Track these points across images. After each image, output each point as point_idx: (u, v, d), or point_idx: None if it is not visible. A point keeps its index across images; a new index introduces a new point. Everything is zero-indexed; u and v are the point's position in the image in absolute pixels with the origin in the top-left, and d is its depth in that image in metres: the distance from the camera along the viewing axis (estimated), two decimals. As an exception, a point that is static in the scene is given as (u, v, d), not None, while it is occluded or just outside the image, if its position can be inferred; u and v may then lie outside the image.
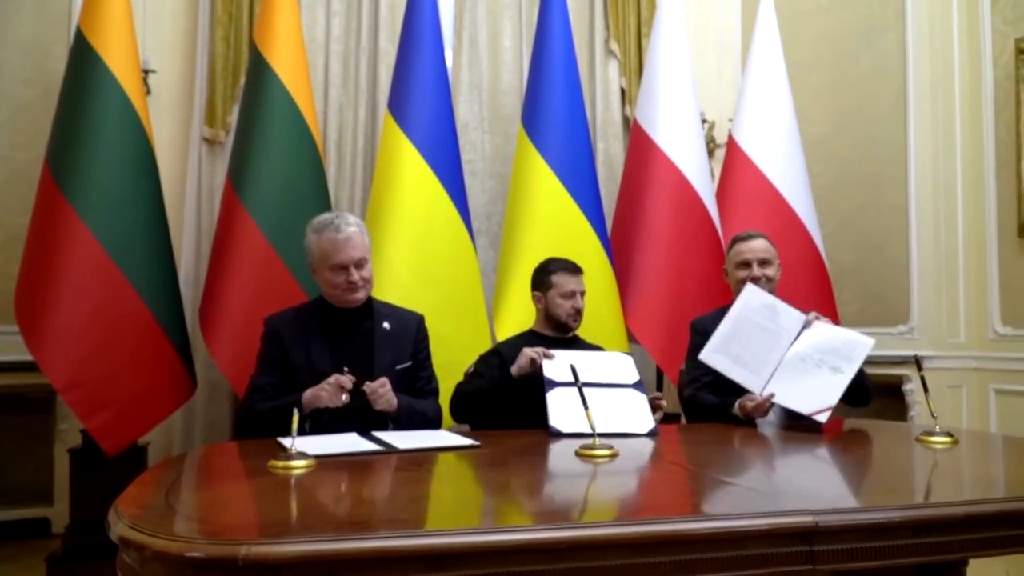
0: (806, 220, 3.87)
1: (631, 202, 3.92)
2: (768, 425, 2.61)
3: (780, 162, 3.91)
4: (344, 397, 2.28)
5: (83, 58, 3.20)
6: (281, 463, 1.75)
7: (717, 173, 4.29)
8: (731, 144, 4.07)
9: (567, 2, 3.89)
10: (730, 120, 4.24)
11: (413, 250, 3.38)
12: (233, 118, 3.88)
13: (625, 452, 1.98)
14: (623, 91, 4.63)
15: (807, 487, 1.81)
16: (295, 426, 1.84)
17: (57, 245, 3.07)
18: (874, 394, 2.80)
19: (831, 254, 4.00)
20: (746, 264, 2.85)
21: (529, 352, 2.54)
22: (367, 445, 2.04)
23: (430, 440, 2.13)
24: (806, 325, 2.66)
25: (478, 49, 4.45)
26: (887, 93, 4.22)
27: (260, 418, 2.36)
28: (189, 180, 3.98)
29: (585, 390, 2.09)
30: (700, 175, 3.86)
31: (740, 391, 2.63)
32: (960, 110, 4.10)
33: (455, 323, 3.32)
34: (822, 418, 2.45)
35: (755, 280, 2.80)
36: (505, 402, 2.58)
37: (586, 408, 2.04)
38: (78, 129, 3.15)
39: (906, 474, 1.98)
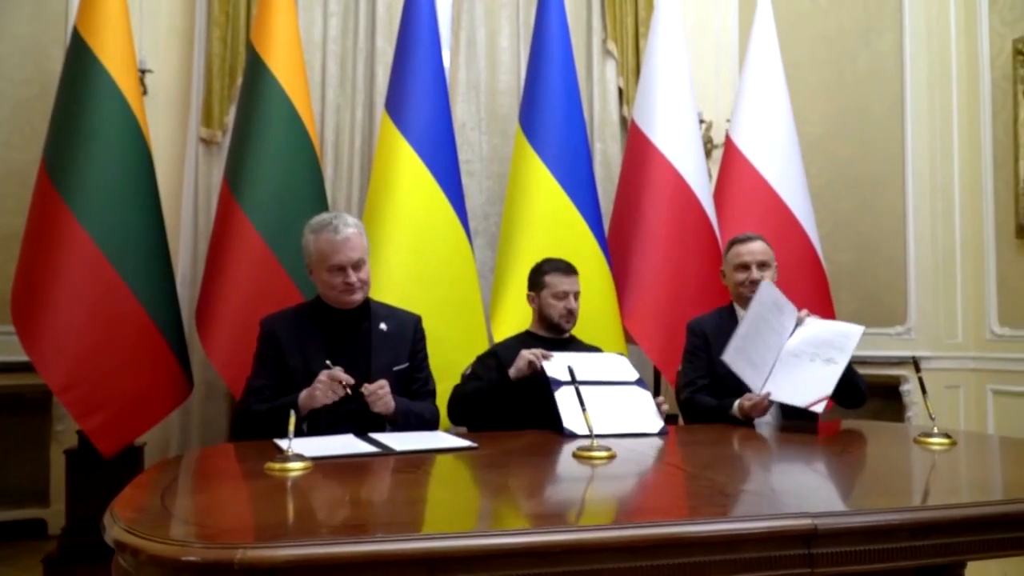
0: (803, 220, 3.87)
1: (628, 202, 3.92)
2: (765, 425, 2.61)
3: (777, 162, 3.91)
4: (339, 390, 2.25)
5: (79, 58, 3.19)
6: (278, 465, 1.74)
7: (714, 173, 4.28)
8: (728, 144, 4.07)
9: (565, 2, 3.89)
10: (727, 120, 4.24)
11: (410, 250, 3.37)
12: (230, 118, 3.87)
13: (623, 454, 1.98)
14: (620, 91, 4.62)
15: (805, 489, 1.80)
16: (292, 428, 1.83)
17: (53, 246, 3.06)
18: (871, 395, 2.81)
19: (828, 254, 4.00)
20: (745, 267, 2.84)
21: (527, 355, 2.53)
22: (364, 447, 2.03)
23: (427, 441, 2.13)
24: (798, 322, 2.66)
25: (475, 49, 4.44)
26: (885, 93, 4.22)
27: (256, 420, 2.35)
28: (186, 180, 3.97)
29: (591, 389, 2.09)
30: (697, 175, 3.85)
31: (738, 392, 2.63)
32: (958, 110, 4.10)
33: (452, 324, 3.31)
34: (819, 408, 2.45)
35: (754, 283, 2.79)
36: (503, 404, 2.58)
37: (584, 410, 2.04)
38: (74, 129, 3.14)
39: (904, 476, 1.98)
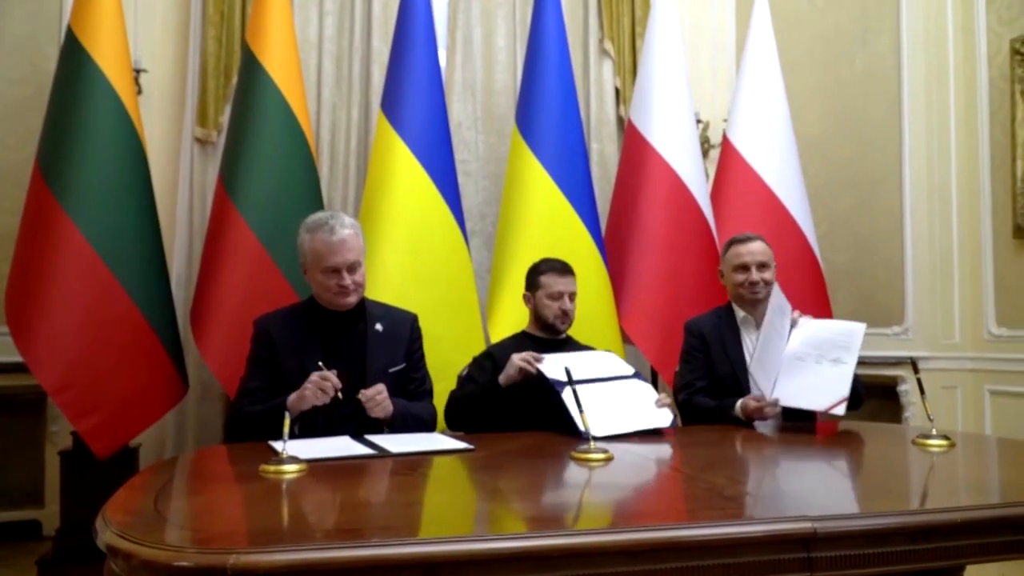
0: (800, 220, 3.86)
1: (625, 202, 3.91)
2: (764, 426, 2.59)
3: (775, 162, 3.90)
4: (330, 390, 2.21)
5: (74, 58, 3.17)
6: (272, 467, 1.73)
7: (711, 173, 4.28)
8: (725, 144, 4.06)
9: (561, 2, 3.88)
10: (724, 120, 4.23)
11: (407, 250, 3.36)
12: (225, 118, 3.86)
13: (620, 456, 1.97)
14: (617, 91, 4.61)
15: (804, 492, 1.79)
16: (286, 430, 1.82)
17: (47, 246, 3.04)
18: (869, 395, 2.79)
19: (825, 254, 3.99)
20: (744, 267, 2.82)
21: (517, 361, 2.49)
22: (360, 449, 2.02)
23: (424, 443, 2.11)
24: (793, 324, 2.64)
25: (472, 48, 4.43)
26: (882, 93, 4.21)
27: (250, 422, 2.33)
28: (181, 180, 3.96)
29: (593, 386, 2.08)
30: (694, 175, 3.85)
31: (736, 394, 2.62)
32: (955, 110, 4.10)
33: (449, 324, 3.30)
34: (839, 411, 2.41)
35: (753, 284, 2.78)
36: (499, 407, 2.56)
37: (581, 412, 2.03)
38: (69, 129, 3.12)
39: (903, 479, 1.97)
